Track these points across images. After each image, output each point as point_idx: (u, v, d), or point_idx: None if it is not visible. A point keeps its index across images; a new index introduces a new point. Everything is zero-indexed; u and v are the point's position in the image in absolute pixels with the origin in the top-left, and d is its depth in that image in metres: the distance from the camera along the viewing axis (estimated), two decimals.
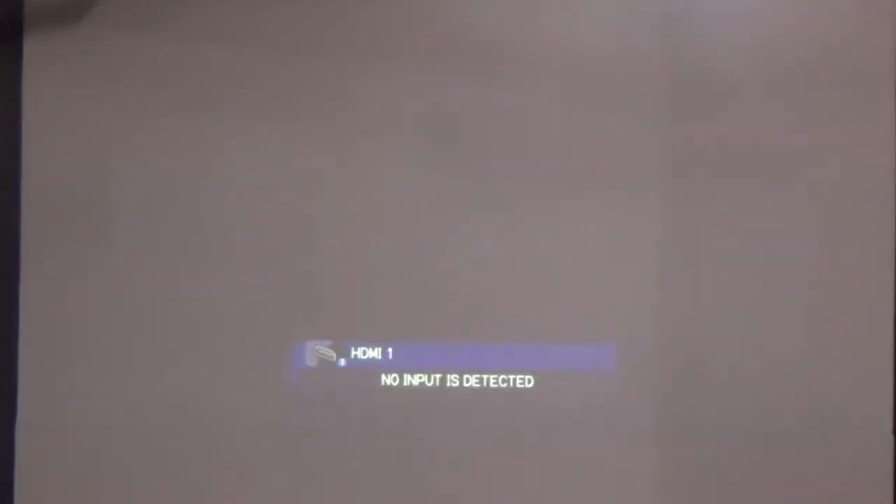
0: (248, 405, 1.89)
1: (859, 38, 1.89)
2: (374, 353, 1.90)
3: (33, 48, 1.91)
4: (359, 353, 1.90)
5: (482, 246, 1.90)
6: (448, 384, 1.89)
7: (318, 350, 1.90)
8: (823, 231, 1.89)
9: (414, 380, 1.90)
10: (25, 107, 1.91)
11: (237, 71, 1.91)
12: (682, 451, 1.87)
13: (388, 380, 1.90)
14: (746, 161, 1.89)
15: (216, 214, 1.91)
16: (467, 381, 1.89)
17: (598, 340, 1.89)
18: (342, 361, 1.90)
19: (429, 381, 1.90)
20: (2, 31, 1.91)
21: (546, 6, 1.91)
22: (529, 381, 1.89)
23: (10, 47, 1.91)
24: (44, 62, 1.91)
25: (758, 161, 1.89)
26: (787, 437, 1.86)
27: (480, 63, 1.91)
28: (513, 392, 1.89)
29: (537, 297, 1.89)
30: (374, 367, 1.90)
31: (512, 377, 1.89)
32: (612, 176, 1.90)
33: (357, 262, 1.90)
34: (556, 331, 1.89)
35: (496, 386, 1.89)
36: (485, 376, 1.90)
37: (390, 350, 1.90)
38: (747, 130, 1.89)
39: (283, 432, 1.89)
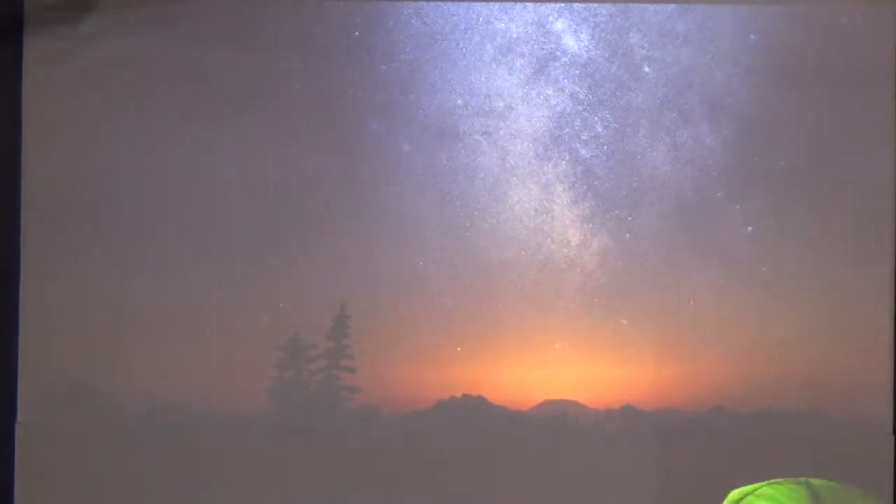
0: (250, 406, 1.89)
1: (859, 38, 1.90)
2: None
3: (33, 48, 1.91)
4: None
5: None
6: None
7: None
8: (823, 231, 1.89)
9: None
10: (25, 107, 1.91)
11: (238, 71, 1.91)
12: (680, 450, 1.87)
13: None
14: (747, 162, 1.89)
15: (217, 214, 1.91)
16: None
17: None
18: None
19: None
20: (2, 31, 1.91)
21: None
22: None
23: (10, 47, 1.91)
24: (44, 62, 1.91)
25: (758, 162, 1.89)
26: (787, 437, 1.86)
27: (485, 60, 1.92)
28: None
29: None
30: None
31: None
32: (615, 177, 1.90)
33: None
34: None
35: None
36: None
37: None
38: (747, 131, 1.90)
39: (286, 433, 1.89)
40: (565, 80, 1.92)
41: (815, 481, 1.82)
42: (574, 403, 1.89)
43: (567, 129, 1.92)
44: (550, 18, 1.92)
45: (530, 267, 1.91)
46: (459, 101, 1.92)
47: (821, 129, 1.90)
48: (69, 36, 1.91)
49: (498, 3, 1.91)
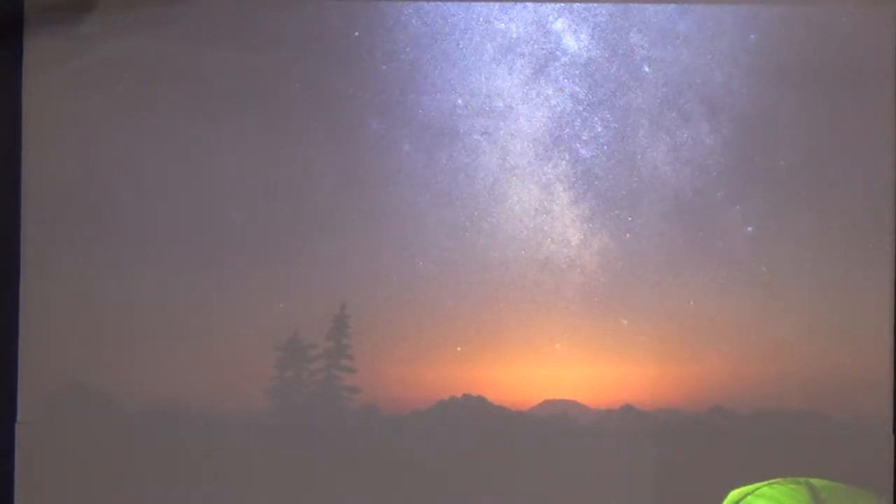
0: (250, 406, 1.89)
1: (859, 38, 1.90)
2: None
3: (33, 48, 1.92)
4: None
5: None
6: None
7: None
8: (822, 231, 1.89)
9: None
10: (25, 107, 1.91)
11: (238, 71, 1.91)
12: (680, 450, 1.87)
13: None
14: (747, 162, 1.90)
15: (217, 214, 1.91)
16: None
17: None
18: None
19: None
20: (2, 31, 1.91)
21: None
22: None
23: (10, 47, 1.91)
24: (44, 62, 1.91)
25: (758, 162, 1.90)
26: (787, 437, 1.86)
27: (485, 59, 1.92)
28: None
29: None
30: None
31: None
32: (615, 177, 1.91)
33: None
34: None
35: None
36: None
37: None
38: (747, 131, 1.90)
39: (286, 433, 1.89)
40: (565, 80, 1.92)
41: (815, 481, 1.82)
42: (574, 403, 1.89)
43: (567, 129, 1.92)
44: (550, 18, 1.92)
45: (530, 267, 1.91)
46: (459, 101, 1.92)
47: (821, 129, 1.90)
48: (69, 36, 1.91)
49: (498, 3, 1.91)
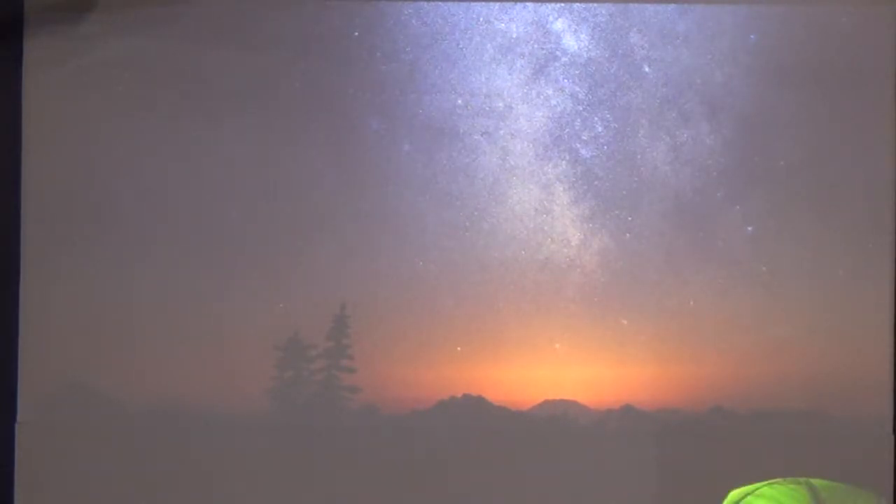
0: (250, 406, 1.89)
1: (859, 38, 1.90)
2: None
3: (33, 48, 1.92)
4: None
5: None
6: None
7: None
8: (822, 231, 1.89)
9: None
10: (25, 107, 1.92)
11: (238, 71, 1.91)
12: (680, 450, 1.87)
13: None
14: (747, 162, 1.90)
15: (217, 214, 1.91)
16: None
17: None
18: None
19: None
20: (2, 31, 1.91)
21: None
22: None
23: (10, 47, 1.91)
24: (44, 62, 1.91)
25: (758, 162, 1.90)
26: (787, 437, 1.86)
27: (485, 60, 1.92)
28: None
29: None
30: None
31: None
32: (615, 177, 1.91)
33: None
34: None
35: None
36: None
37: None
38: (747, 131, 1.90)
39: (286, 433, 1.89)
40: (565, 80, 1.92)
41: (815, 481, 1.82)
42: (574, 403, 1.89)
43: (567, 129, 1.92)
44: (550, 18, 1.92)
45: (530, 267, 1.91)
46: (459, 101, 1.92)
47: (821, 129, 1.90)
48: (69, 36, 1.91)
49: (498, 3, 1.91)
